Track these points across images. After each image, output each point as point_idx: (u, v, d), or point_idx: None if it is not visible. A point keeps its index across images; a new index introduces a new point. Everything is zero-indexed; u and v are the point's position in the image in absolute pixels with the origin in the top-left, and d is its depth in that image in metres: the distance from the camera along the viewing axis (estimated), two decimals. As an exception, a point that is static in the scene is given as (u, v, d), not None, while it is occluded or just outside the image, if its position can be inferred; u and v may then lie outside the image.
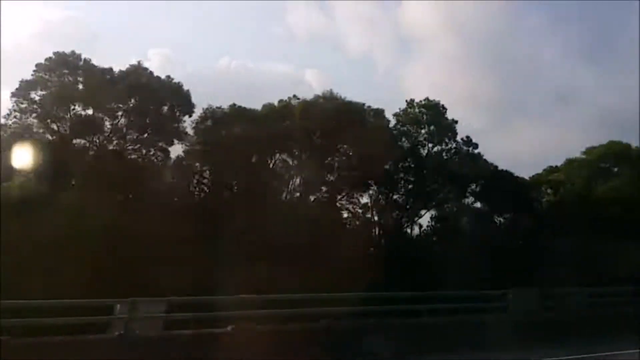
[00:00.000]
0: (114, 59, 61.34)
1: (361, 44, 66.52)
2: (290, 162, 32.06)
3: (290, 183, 32.07)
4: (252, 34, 71.63)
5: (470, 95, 61.92)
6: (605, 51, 66.09)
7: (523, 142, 59.59)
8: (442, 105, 35.04)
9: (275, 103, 32.64)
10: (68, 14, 63.56)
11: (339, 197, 32.74)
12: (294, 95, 32.64)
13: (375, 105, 33.64)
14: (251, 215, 25.62)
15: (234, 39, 67.04)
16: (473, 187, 34.70)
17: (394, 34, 68.20)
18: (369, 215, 33.37)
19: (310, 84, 63.45)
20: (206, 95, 54.14)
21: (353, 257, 22.77)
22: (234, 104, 31.74)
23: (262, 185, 29.96)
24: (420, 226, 34.21)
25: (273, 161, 31.91)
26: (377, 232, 33.49)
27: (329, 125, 30.53)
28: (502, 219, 35.13)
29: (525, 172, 36.94)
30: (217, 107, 31.44)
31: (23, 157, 24.73)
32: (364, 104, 33.37)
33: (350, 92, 68.26)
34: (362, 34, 66.68)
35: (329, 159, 31.97)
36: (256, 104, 32.18)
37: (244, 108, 31.59)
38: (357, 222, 32.73)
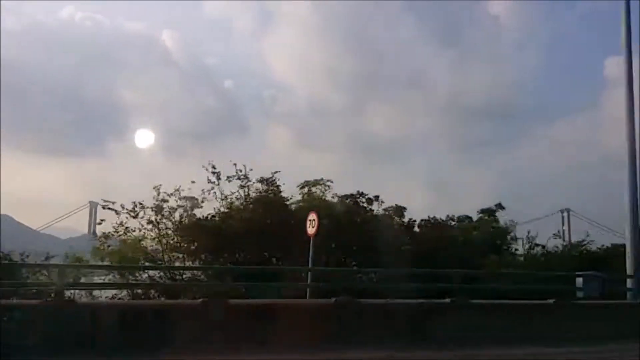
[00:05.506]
0: None
1: (221, 6, 63.37)
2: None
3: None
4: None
5: (329, 70, 59.24)
6: (455, 38, 64.46)
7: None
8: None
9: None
10: None
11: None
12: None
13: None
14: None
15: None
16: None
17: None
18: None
19: (166, 44, 59.71)
20: (47, 48, 47.56)
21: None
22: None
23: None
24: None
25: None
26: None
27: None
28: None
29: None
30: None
31: None
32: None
33: (210, 56, 62.75)
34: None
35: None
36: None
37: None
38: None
